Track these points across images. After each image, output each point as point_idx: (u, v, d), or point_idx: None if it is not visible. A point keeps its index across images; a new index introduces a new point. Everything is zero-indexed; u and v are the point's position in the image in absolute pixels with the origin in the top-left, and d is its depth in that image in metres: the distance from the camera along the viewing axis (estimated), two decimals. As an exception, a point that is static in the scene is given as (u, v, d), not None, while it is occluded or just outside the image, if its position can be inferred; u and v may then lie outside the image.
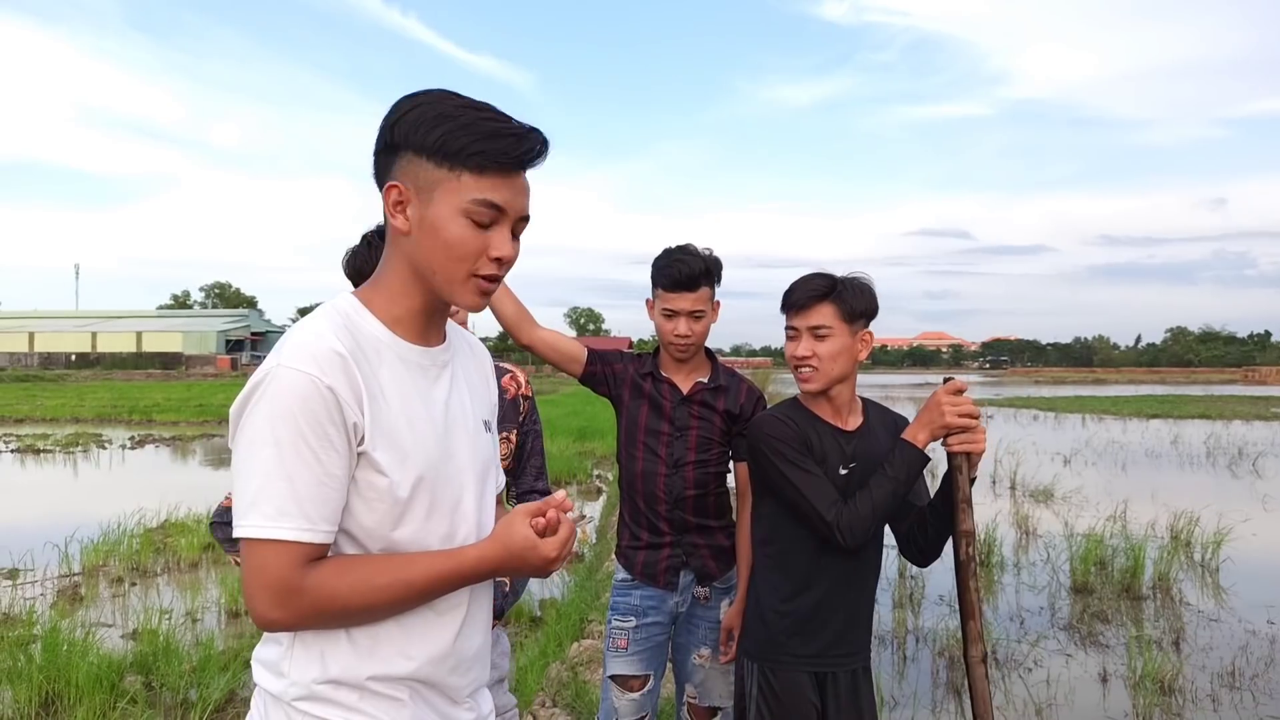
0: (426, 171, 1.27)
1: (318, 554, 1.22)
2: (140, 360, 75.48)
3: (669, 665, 2.81)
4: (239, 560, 2.07)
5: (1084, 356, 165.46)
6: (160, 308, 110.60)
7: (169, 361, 75.54)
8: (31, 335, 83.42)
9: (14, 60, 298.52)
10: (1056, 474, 13.30)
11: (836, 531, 2.13)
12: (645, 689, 2.67)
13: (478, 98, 1.32)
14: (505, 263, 1.32)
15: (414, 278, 1.33)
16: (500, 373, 2.41)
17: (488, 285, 1.32)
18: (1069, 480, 12.85)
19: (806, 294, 2.24)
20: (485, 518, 1.43)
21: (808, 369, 2.25)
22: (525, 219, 1.34)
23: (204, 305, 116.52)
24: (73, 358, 78.60)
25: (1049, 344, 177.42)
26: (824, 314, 2.23)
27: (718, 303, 2.70)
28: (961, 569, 2.09)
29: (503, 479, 1.56)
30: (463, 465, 1.39)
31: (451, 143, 1.25)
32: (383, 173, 1.32)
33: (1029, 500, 11.19)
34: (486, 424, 1.49)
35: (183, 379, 58.93)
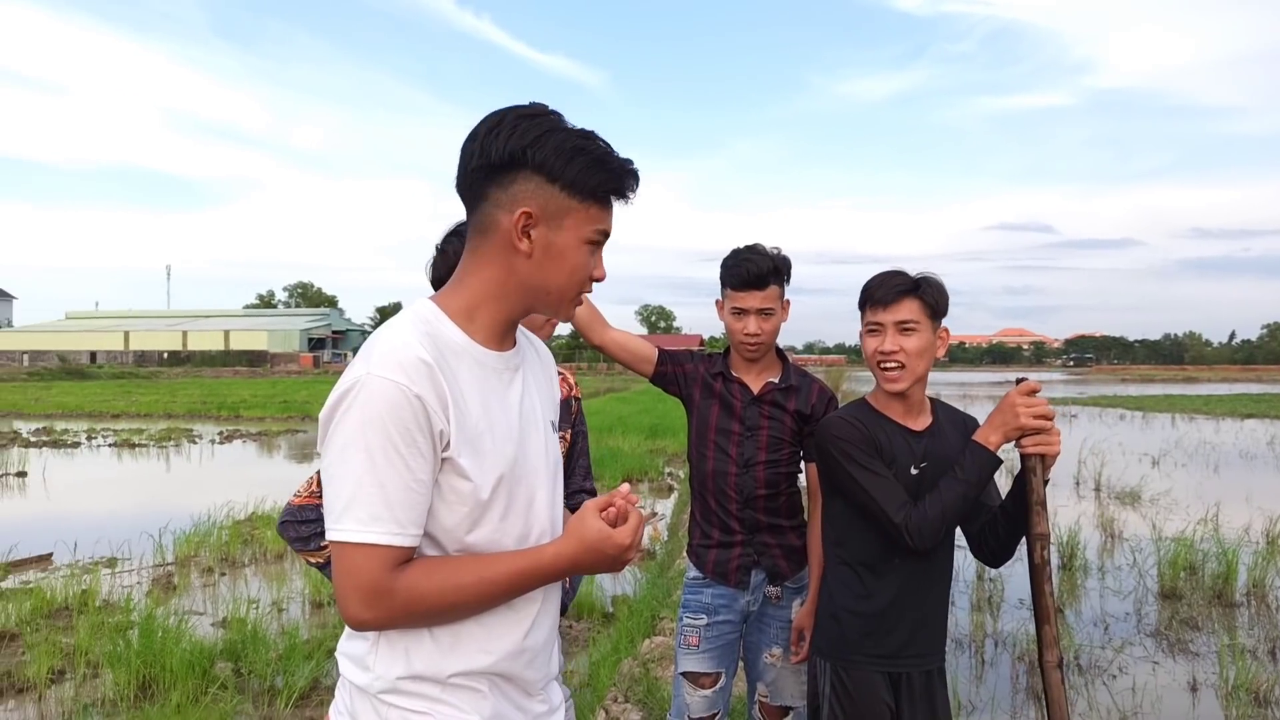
0: (557, 200, 1.33)
1: (406, 557, 1.27)
2: (228, 358, 78.05)
3: (741, 664, 2.82)
4: (311, 560, 2.13)
5: (1174, 354, 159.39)
6: (246, 307, 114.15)
7: (255, 359, 77.96)
8: (127, 334, 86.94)
9: (109, 69, 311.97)
10: (1144, 475, 12.84)
11: (905, 534, 2.11)
12: (716, 686, 2.68)
13: (552, 104, 1.38)
14: (600, 281, 1.44)
15: (514, 292, 1.38)
16: None
17: (581, 300, 1.44)
18: (1157, 482, 12.42)
19: (892, 289, 2.21)
20: (557, 515, 1.48)
21: (894, 365, 2.21)
22: None
23: (287, 305, 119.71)
24: (165, 355, 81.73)
25: (1136, 341, 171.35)
26: (910, 309, 2.21)
27: (787, 301, 2.70)
28: (1036, 573, 2.05)
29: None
30: (537, 465, 1.43)
31: (591, 178, 1.33)
32: (490, 186, 1.34)
33: (1114, 502, 10.84)
34: (553, 424, 1.53)
35: (268, 376, 60.80)
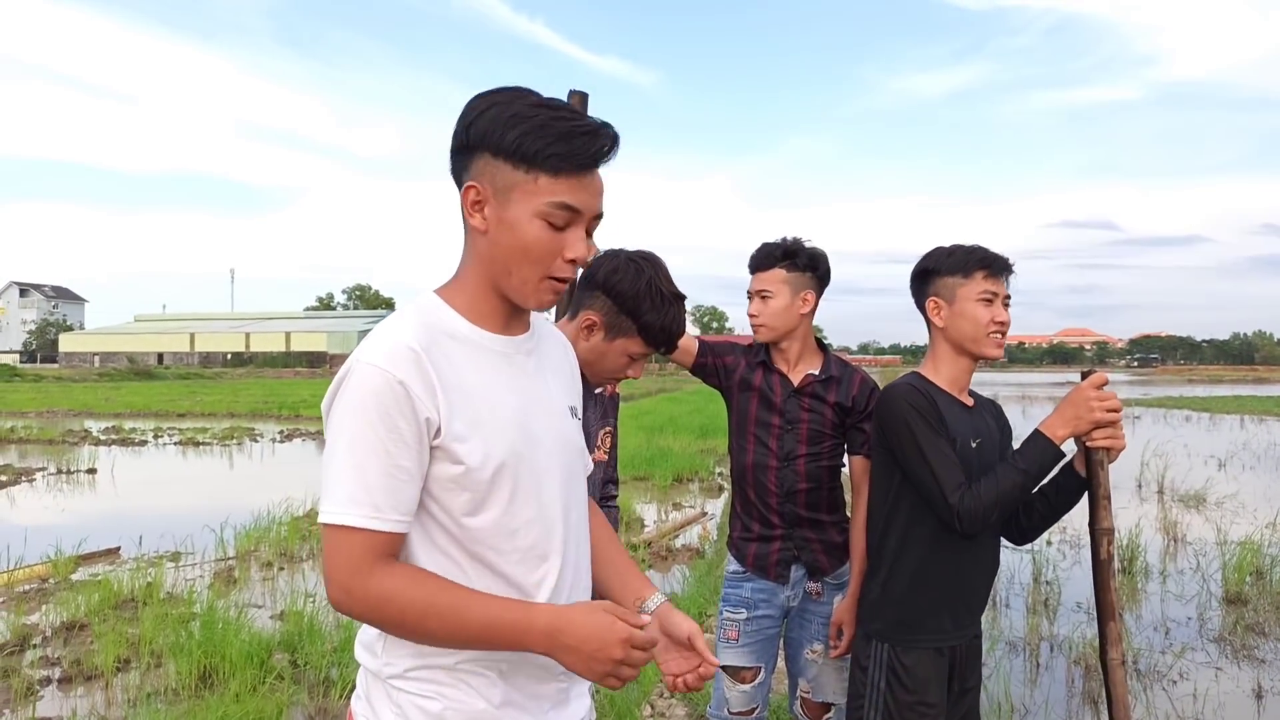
0: (504, 173, 1.28)
1: (387, 543, 1.25)
2: (289, 359, 79.55)
3: (781, 658, 2.81)
4: None
5: (1243, 354, 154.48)
6: (307, 309, 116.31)
7: (314, 360, 79.38)
8: (192, 336, 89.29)
9: (176, 78, 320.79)
10: (1209, 478, 12.45)
11: (957, 517, 2.07)
12: (756, 681, 2.68)
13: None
14: (579, 264, 1.33)
15: (491, 276, 1.35)
16: None
17: (560, 286, 1.35)
18: (1223, 485, 12.03)
19: (1007, 263, 2.25)
20: (571, 501, 1.43)
21: (1000, 335, 2.25)
22: (599, 217, 1.35)
23: (346, 307, 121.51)
24: (229, 356, 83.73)
25: (1204, 340, 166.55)
26: (1009, 284, 2.29)
27: (809, 294, 2.63)
28: (1101, 569, 2.04)
29: (589, 464, 1.56)
30: (549, 450, 1.39)
31: (528, 145, 1.26)
32: (460, 172, 1.34)
33: (1178, 505, 10.53)
34: (572, 410, 1.50)
35: (327, 376, 61.67)
